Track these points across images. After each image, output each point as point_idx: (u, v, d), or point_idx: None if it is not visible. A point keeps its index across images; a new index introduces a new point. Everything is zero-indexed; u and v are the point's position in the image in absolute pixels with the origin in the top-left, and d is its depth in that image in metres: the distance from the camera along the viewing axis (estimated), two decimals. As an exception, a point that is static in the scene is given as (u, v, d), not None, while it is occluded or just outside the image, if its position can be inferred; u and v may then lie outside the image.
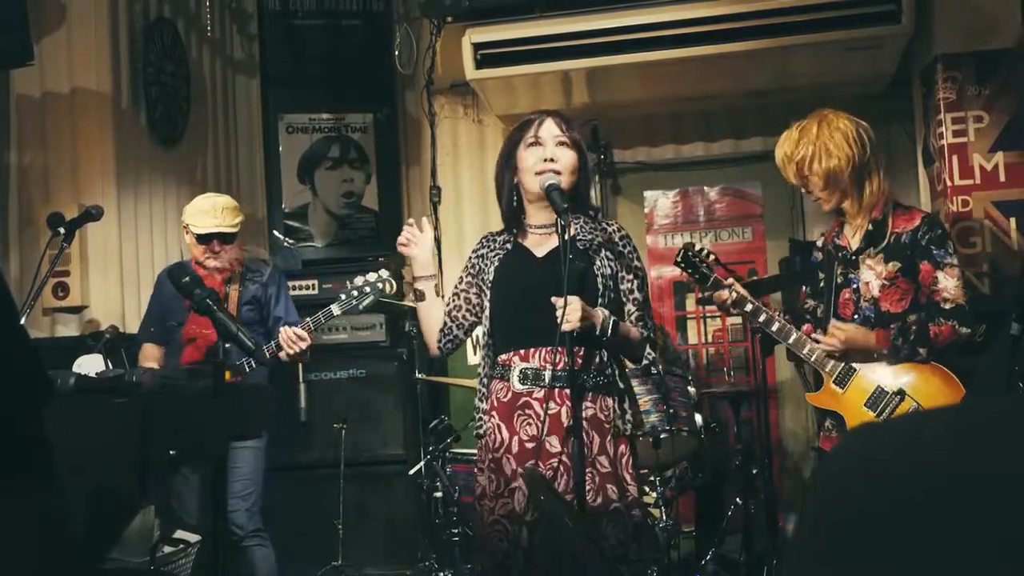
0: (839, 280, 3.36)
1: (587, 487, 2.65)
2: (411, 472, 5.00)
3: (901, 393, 3.22)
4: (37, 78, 5.02)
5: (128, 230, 5.17)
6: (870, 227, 3.31)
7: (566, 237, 2.60)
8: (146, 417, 2.65)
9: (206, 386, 2.77)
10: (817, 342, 3.32)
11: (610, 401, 2.78)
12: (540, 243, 2.88)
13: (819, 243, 3.55)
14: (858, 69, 5.50)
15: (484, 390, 2.86)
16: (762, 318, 3.34)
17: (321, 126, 6.27)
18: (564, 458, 2.66)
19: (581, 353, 2.73)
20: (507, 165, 2.89)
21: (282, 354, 4.15)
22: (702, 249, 3.53)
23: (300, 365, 4.98)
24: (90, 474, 2.52)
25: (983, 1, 5.27)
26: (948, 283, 3.21)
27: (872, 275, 3.30)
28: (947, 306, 3.20)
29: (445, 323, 2.92)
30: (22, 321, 2.83)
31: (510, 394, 2.76)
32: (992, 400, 0.65)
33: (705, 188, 6.45)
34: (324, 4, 6.29)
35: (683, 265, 3.47)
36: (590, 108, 6.03)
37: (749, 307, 3.35)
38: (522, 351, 2.75)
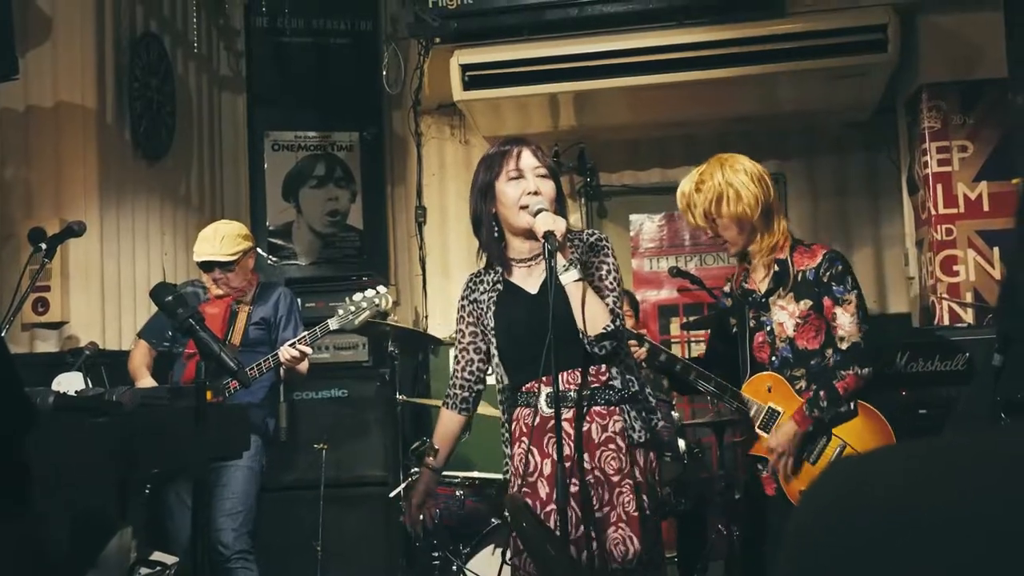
0: (752, 324, 3.36)
1: (627, 498, 2.69)
2: (392, 494, 4.97)
3: (828, 434, 3.23)
4: (21, 92, 5.00)
5: (110, 246, 5.16)
6: (776, 268, 3.32)
7: (556, 264, 2.62)
8: (126, 437, 2.64)
9: (187, 406, 2.76)
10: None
11: (629, 412, 2.78)
12: (528, 276, 2.88)
13: (727, 288, 3.55)
14: (844, 96, 5.56)
15: (509, 426, 2.87)
16: (679, 365, 3.34)
17: (307, 144, 6.29)
18: (596, 473, 2.69)
19: (600, 371, 2.77)
20: (485, 198, 2.87)
21: (284, 370, 4.18)
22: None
23: (282, 384, 4.97)
24: (68, 495, 2.51)
25: (968, 31, 5.35)
26: (844, 319, 3.23)
27: (785, 315, 3.29)
28: (843, 345, 3.22)
29: (472, 389, 2.96)
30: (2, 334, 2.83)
31: (539, 418, 2.78)
32: (969, 437, 0.66)
33: None
34: (312, 23, 6.32)
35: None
36: (577, 131, 6.06)
37: (665, 357, 3.36)
38: (545, 378, 2.75)
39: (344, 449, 5.52)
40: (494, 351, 2.87)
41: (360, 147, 6.33)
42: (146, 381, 4.29)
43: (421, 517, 2.98)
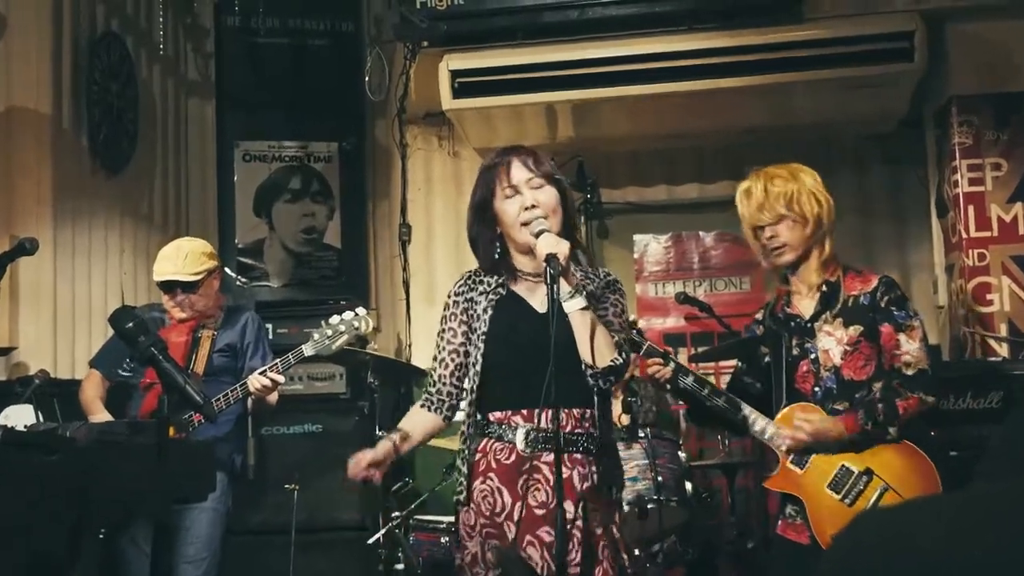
0: (795, 352, 3.35)
1: (600, 558, 2.72)
2: (370, 540, 4.96)
3: (869, 472, 3.21)
4: (-30, 95, 5.02)
5: (64, 266, 5.15)
6: (824, 289, 3.34)
7: (559, 290, 2.64)
8: (80, 477, 2.63)
9: (148, 443, 2.75)
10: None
11: (605, 464, 2.83)
12: (534, 291, 2.89)
13: (759, 316, 3.56)
14: (866, 107, 5.59)
15: (472, 451, 2.85)
16: (706, 389, 3.33)
17: (281, 155, 6.30)
18: (580, 522, 2.71)
19: (587, 414, 2.80)
20: (483, 218, 2.90)
21: (252, 401, 4.16)
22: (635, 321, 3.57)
23: (249, 417, 4.95)
24: (14, 540, 2.50)
25: (1001, 40, 5.40)
26: (911, 346, 3.25)
27: (832, 341, 3.30)
28: (910, 371, 3.23)
29: (450, 393, 2.94)
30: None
31: (514, 456, 2.77)
32: (998, 489, 0.67)
33: (700, 233, 6.49)
34: (289, 23, 6.35)
35: None
36: (576, 143, 6.10)
37: (690, 379, 3.34)
38: (525, 411, 2.78)
39: (318, 489, 5.48)
40: (475, 359, 2.86)
41: (339, 159, 6.34)
42: (101, 415, 4.27)
43: (369, 475, 2.88)
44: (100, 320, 5.22)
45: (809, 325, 3.34)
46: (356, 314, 4.10)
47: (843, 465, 3.22)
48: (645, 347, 3.42)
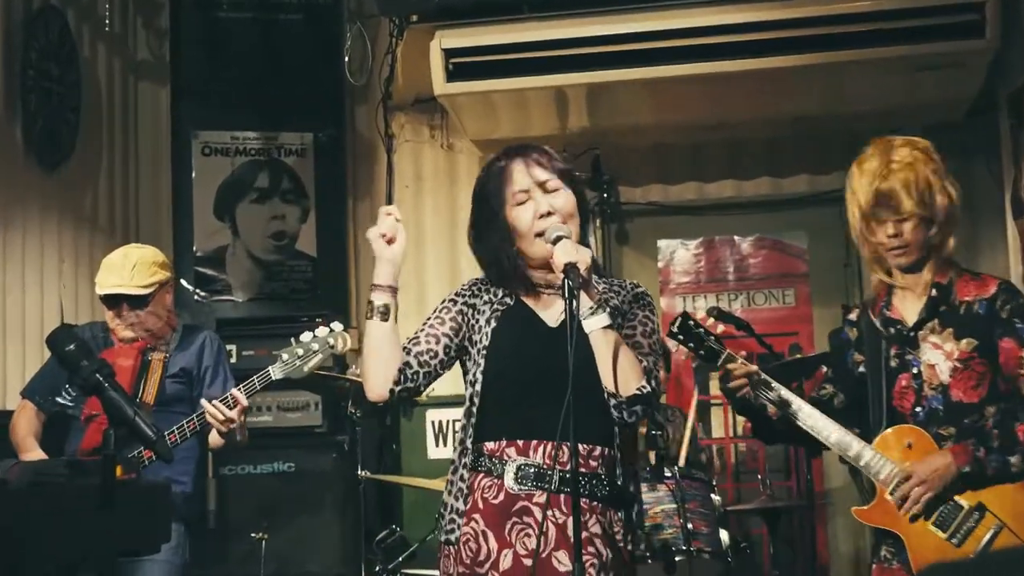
0: (893, 364, 3.30)
1: None
2: (351, 598, 4.96)
3: (981, 508, 3.14)
4: None
5: (-7, 276, 5.16)
6: (933, 292, 3.28)
7: (578, 305, 2.64)
8: (14, 523, 2.62)
9: (91, 484, 2.75)
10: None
11: (620, 515, 2.82)
12: (549, 305, 2.91)
13: (852, 316, 3.50)
14: (930, 92, 5.58)
15: (462, 484, 2.85)
16: (793, 405, 3.29)
17: (247, 147, 6.29)
18: None
19: (595, 452, 2.78)
20: (492, 227, 2.92)
21: (213, 436, 4.14)
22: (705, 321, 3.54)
23: (211, 454, 4.95)
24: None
25: (1089, 11, 5.37)
26: None
27: (939, 355, 3.24)
28: None
29: (411, 365, 2.88)
30: None
31: (503, 495, 2.77)
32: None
33: (735, 238, 6.50)
34: (255, -6, 6.39)
35: (681, 336, 3.42)
36: (590, 134, 6.07)
37: (775, 395, 3.30)
38: (520, 442, 2.78)
39: (289, 538, 5.47)
40: (474, 377, 2.87)
41: (315, 152, 6.32)
42: (35, 453, 4.26)
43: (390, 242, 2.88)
44: (36, 340, 5.21)
45: (912, 334, 3.29)
46: (331, 330, 4.11)
47: (952, 499, 3.16)
48: (723, 356, 3.34)
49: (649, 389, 2.72)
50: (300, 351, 4.07)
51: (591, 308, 2.69)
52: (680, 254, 6.49)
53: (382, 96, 6.55)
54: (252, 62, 6.30)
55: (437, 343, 2.90)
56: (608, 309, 2.74)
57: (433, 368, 2.89)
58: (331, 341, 4.10)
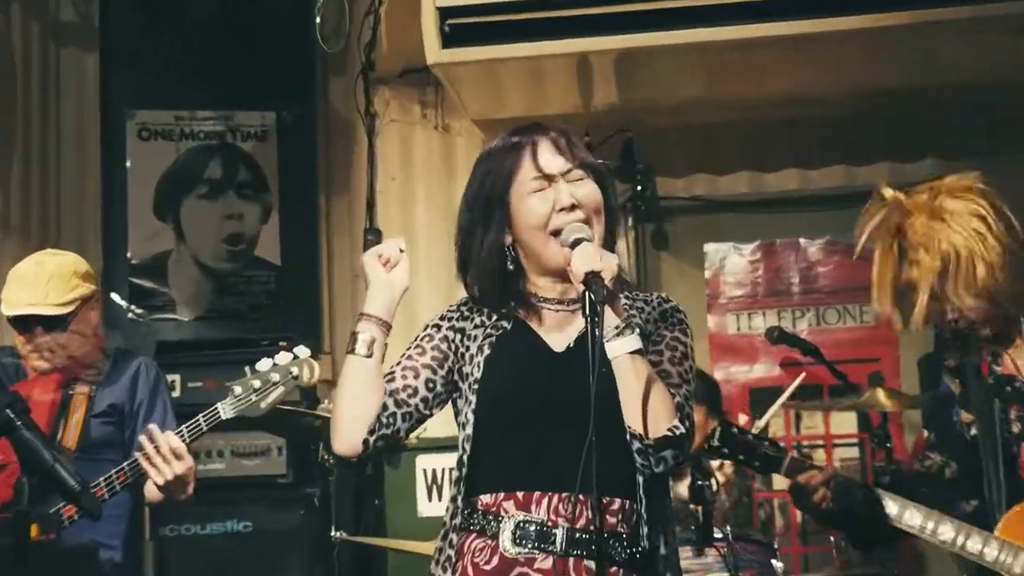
0: (1015, 429, 3.29)
1: None
2: None
3: None
4: None
5: None
6: None
7: (600, 324, 2.61)
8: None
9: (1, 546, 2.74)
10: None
11: None
12: (556, 327, 2.90)
13: (951, 363, 3.47)
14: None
15: (450, 551, 2.84)
16: (890, 506, 3.29)
17: (195, 130, 6.31)
18: None
19: (614, 507, 2.75)
20: (487, 219, 2.89)
21: (150, 489, 4.11)
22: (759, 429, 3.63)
23: (148, 511, 4.94)
24: None
25: None
26: None
27: None
28: None
29: (387, 406, 2.86)
30: None
31: (497, 559, 2.74)
32: None
33: (801, 241, 6.51)
34: (205, -60, 6.38)
35: (726, 450, 3.48)
36: (620, 113, 6.09)
37: (862, 494, 3.32)
38: (520, 494, 2.76)
39: (247, 615, 5.49)
40: (465, 418, 2.87)
41: (278, 135, 6.35)
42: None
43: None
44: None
45: None
46: (295, 356, 4.07)
47: None
48: (786, 462, 3.38)
49: (683, 430, 2.69)
50: (257, 383, 4.03)
51: (617, 328, 2.67)
52: (732, 261, 6.50)
53: (362, 66, 6.55)
54: (202, 24, 6.31)
55: (416, 377, 2.89)
56: (637, 330, 2.72)
57: (414, 408, 2.88)
58: (295, 371, 4.06)
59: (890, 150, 6.27)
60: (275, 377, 4.04)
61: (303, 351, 4.09)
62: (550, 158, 2.85)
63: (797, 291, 6.49)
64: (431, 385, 2.89)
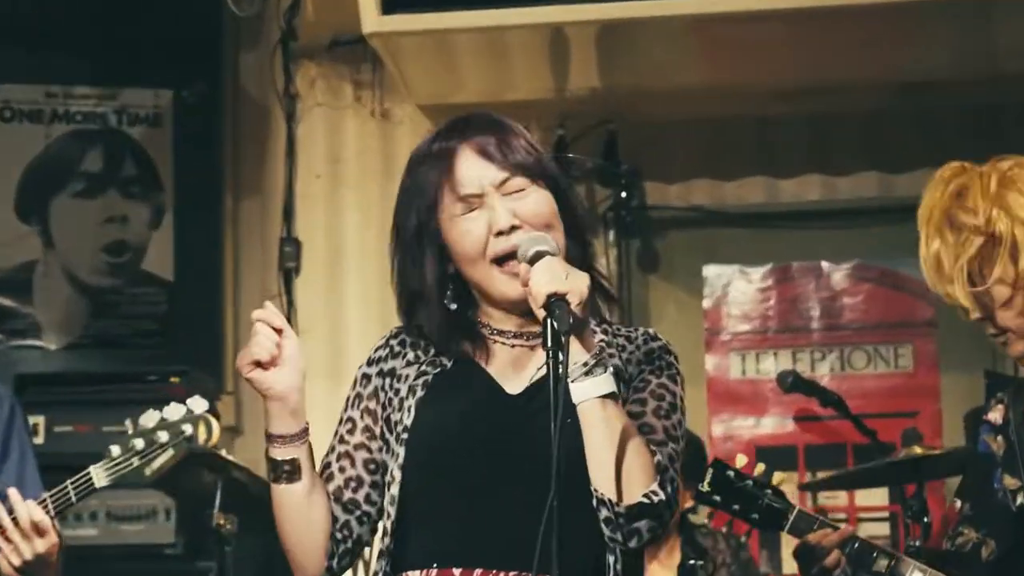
0: None
1: None
2: None
3: None
4: None
5: None
6: None
7: (564, 360, 2.56)
8: None
9: None
10: None
11: None
12: (511, 365, 2.89)
13: (994, 417, 3.49)
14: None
15: None
16: None
17: (69, 110, 6.30)
18: None
19: None
20: (420, 246, 2.88)
21: (3, 566, 4.07)
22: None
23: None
24: None
25: None
26: None
27: None
28: None
29: (336, 518, 2.88)
30: None
31: None
32: None
33: (824, 265, 6.54)
34: None
35: (718, 497, 3.56)
36: (603, 100, 6.11)
37: (886, 563, 3.37)
38: (457, 572, 2.75)
39: None
40: (391, 476, 2.86)
41: (175, 120, 6.36)
42: None
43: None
44: None
45: None
46: (188, 411, 4.00)
47: None
48: (792, 516, 3.42)
49: (662, 497, 2.66)
50: (140, 443, 3.96)
51: (585, 366, 2.65)
52: (738, 288, 6.51)
53: (281, 35, 6.53)
54: None
55: (353, 464, 2.91)
56: (610, 369, 2.69)
57: (363, 500, 2.91)
58: (187, 429, 4.00)
59: (935, 154, 6.14)
60: (163, 437, 3.96)
61: (199, 404, 4.00)
62: (475, 171, 2.82)
63: (817, 327, 6.51)
64: (372, 466, 2.90)
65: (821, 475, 5.86)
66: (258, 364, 2.76)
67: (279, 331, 2.78)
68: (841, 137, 6.52)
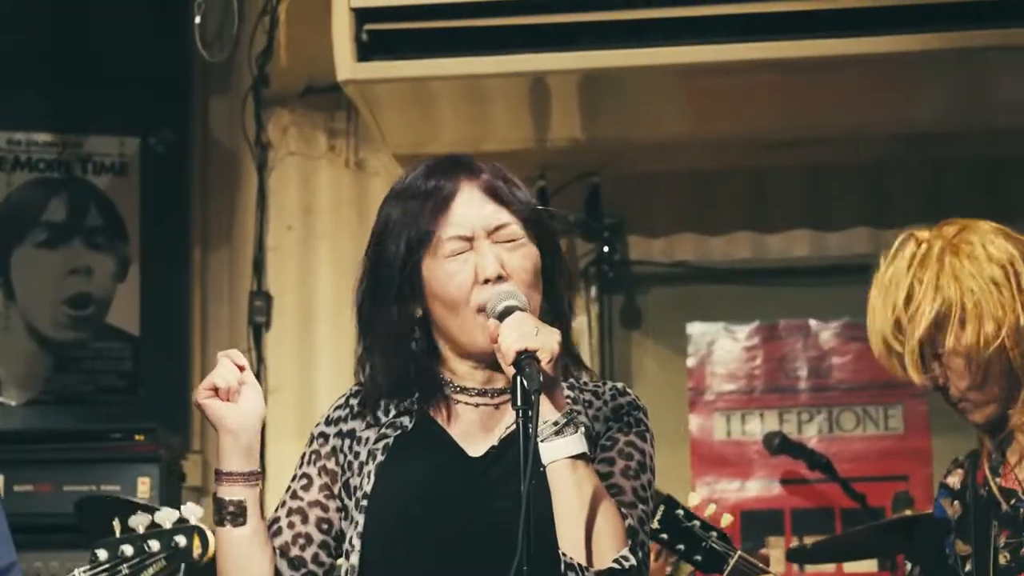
0: (1005, 559, 3.34)
1: None
2: None
3: None
4: None
5: None
6: None
7: (534, 419, 2.52)
8: None
9: None
10: None
11: None
12: (474, 425, 2.85)
13: (952, 481, 3.55)
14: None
15: None
16: None
17: (32, 158, 6.28)
18: None
19: None
20: (393, 285, 2.82)
21: None
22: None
23: None
24: None
25: None
26: None
27: None
28: None
29: (280, 572, 2.88)
30: None
31: None
32: None
33: (812, 323, 6.51)
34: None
35: (665, 536, 3.64)
36: (585, 151, 6.08)
37: None
38: None
39: None
40: (350, 544, 2.84)
41: (141, 168, 6.33)
42: None
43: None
44: None
45: None
46: (182, 518, 3.87)
47: None
48: (732, 562, 3.45)
49: (633, 562, 2.64)
50: (129, 550, 3.86)
51: (556, 425, 2.61)
52: (724, 346, 6.48)
53: (253, 81, 6.50)
54: (44, 20, 6.27)
55: (305, 521, 2.89)
56: (581, 429, 2.66)
57: (315, 557, 2.89)
58: (180, 541, 3.90)
59: (928, 209, 6.21)
60: (154, 546, 3.88)
61: (193, 511, 3.91)
62: (474, 210, 2.80)
63: (805, 387, 6.48)
64: (326, 527, 2.88)
65: (809, 541, 5.84)
66: (215, 393, 2.76)
67: (241, 369, 2.79)
68: (831, 192, 6.54)
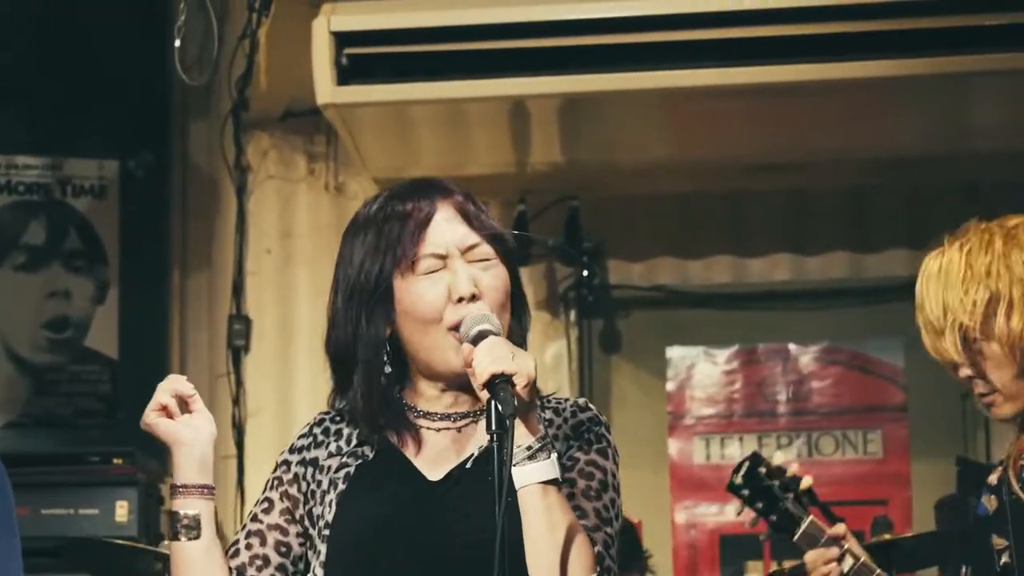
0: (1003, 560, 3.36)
1: None
2: None
3: None
4: None
5: None
6: None
7: (508, 444, 2.51)
8: None
9: None
10: None
11: None
12: (437, 450, 2.85)
13: (992, 479, 3.54)
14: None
15: None
16: None
17: (11, 181, 6.27)
18: None
19: None
20: (364, 306, 2.81)
21: None
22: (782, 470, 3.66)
23: None
24: None
25: None
26: None
27: None
28: None
29: None
30: None
31: None
32: None
33: (791, 347, 6.54)
34: (34, -61, 6.34)
35: (745, 489, 3.58)
36: (564, 175, 6.10)
37: None
38: None
39: None
40: (315, 573, 2.83)
41: (121, 191, 6.33)
42: None
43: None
44: None
45: None
46: None
47: None
48: (804, 526, 3.46)
49: None
50: None
51: (528, 450, 2.60)
52: (703, 370, 6.50)
53: (233, 105, 6.49)
54: (22, 42, 6.26)
55: (263, 543, 2.86)
56: (555, 454, 2.64)
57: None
58: None
59: (908, 234, 6.29)
60: None
61: None
62: (448, 229, 2.80)
63: (784, 411, 6.52)
64: (284, 549, 2.86)
65: (787, 564, 5.82)
66: (164, 412, 2.75)
67: (190, 397, 2.80)
68: (811, 216, 6.55)
